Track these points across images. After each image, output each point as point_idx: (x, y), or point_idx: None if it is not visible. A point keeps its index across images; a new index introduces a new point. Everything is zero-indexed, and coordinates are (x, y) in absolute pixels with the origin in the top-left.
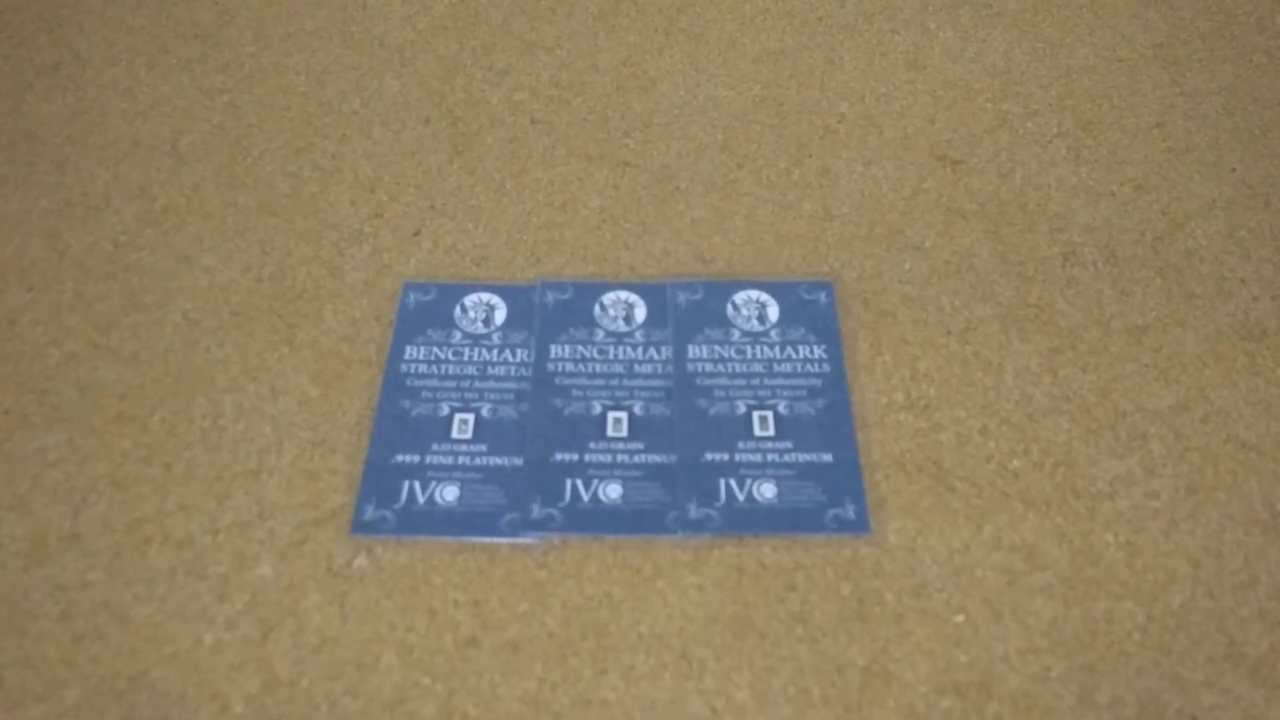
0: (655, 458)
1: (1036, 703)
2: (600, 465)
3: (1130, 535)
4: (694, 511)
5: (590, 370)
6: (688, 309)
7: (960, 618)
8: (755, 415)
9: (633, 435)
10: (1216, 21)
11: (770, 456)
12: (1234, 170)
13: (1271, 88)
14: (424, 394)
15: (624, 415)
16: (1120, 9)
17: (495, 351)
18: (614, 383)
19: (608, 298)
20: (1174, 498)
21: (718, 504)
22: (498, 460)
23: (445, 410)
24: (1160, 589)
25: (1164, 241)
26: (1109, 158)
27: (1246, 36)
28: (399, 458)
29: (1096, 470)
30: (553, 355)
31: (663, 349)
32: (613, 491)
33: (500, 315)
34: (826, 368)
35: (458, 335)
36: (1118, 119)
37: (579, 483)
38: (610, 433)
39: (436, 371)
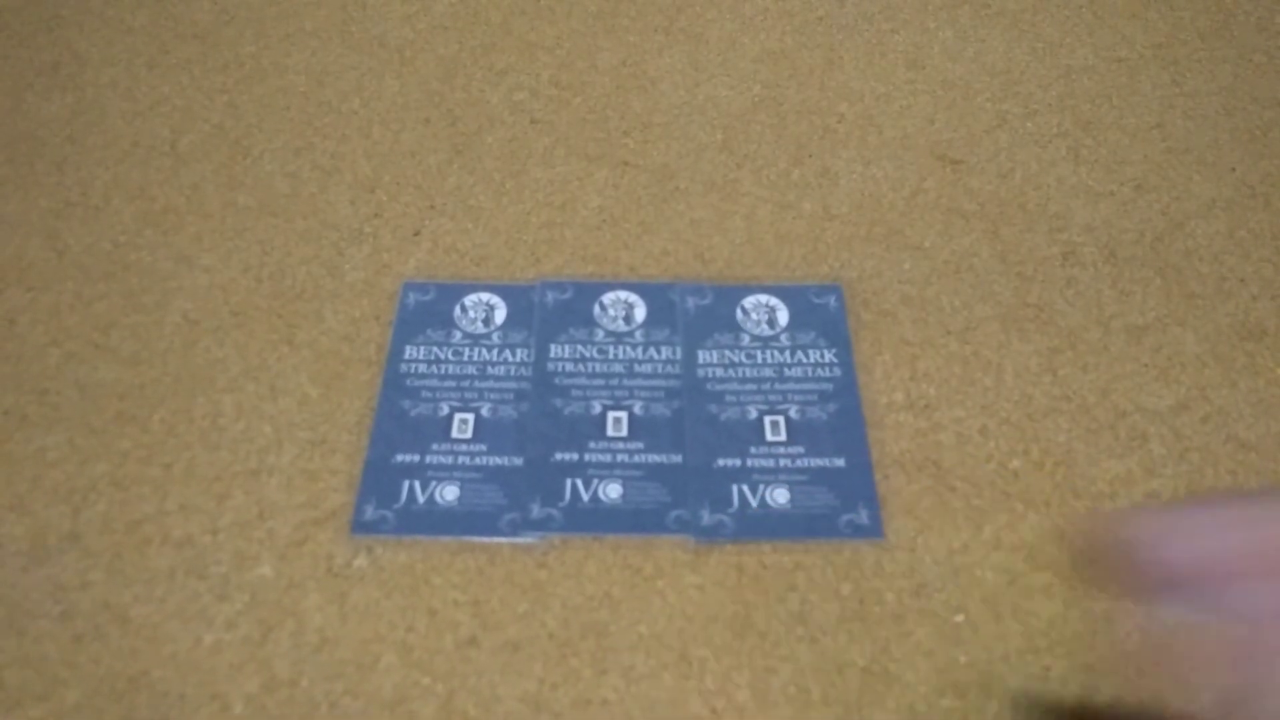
0: (655, 457)
1: (1037, 703)
2: (600, 465)
3: None
4: (707, 518)
5: (590, 370)
6: (697, 314)
7: (960, 618)
8: (767, 420)
9: (633, 435)
10: (1216, 21)
11: (783, 462)
12: (1234, 170)
13: (1271, 88)
14: (424, 394)
15: (624, 415)
16: (1120, 9)
17: (495, 351)
18: (614, 382)
19: (607, 297)
20: (1174, 498)
21: (730, 510)
22: (497, 460)
23: (445, 410)
24: None
25: (1164, 241)
26: (1109, 158)
27: (1246, 36)
28: (399, 457)
29: (1096, 470)
30: (552, 355)
31: (664, 349)
32: (613, 491)
33: (500, 315)
34: (837, 371)
35: (457, 335)
36: (1118, 119)
37: (579, 482)
38: (610, 432)
39: (436, 371)
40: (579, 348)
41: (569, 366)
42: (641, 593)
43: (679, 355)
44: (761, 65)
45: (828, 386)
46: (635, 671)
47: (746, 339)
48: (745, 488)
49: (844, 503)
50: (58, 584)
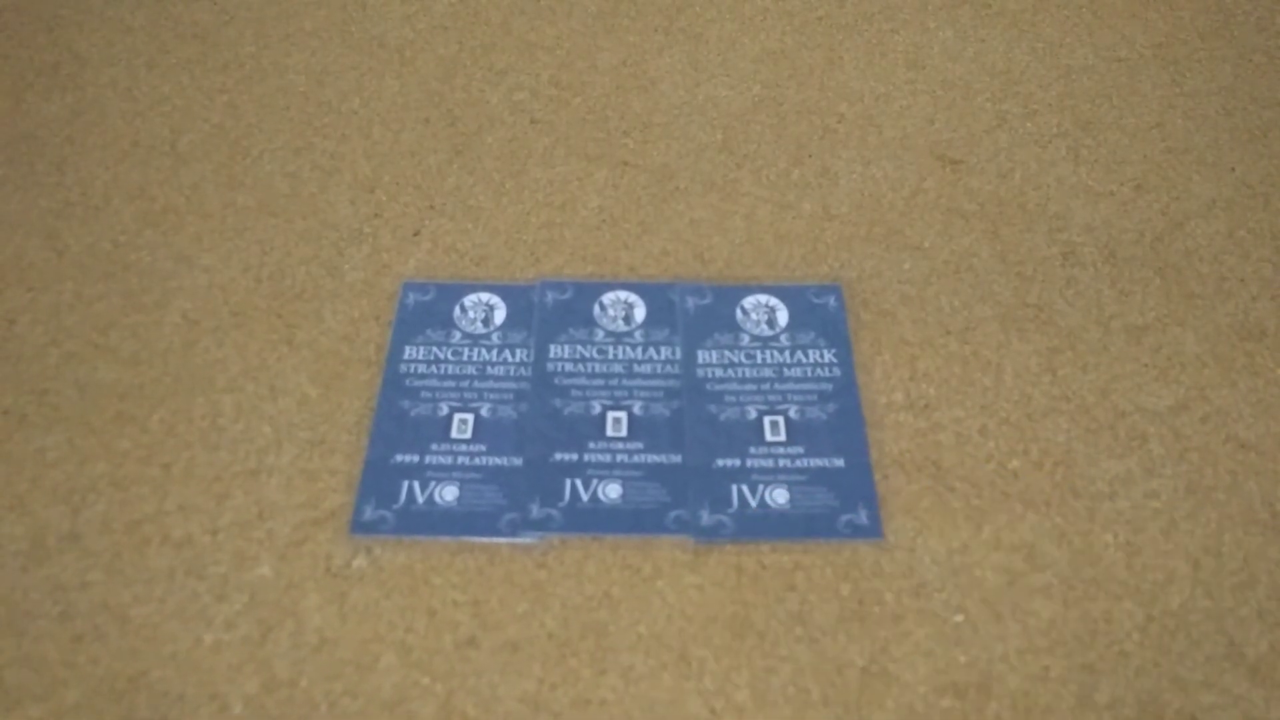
0: (655, 458)
1: (1036, 703)
2: (600, 465)
3: (1130, 535)
4: (706, 518)
5: (590, 370)
6: (697, 314)
7: (960, 618)
8: (766, 420)
9: (632, 435)
10: (1216, 21)
11: (782, 462)
12: (1234, 170)
13: (1271, 88)
14: (423, 394)
15: (623, 415)
16: (1120, 9)
17: (494, 351)
18: (613, 382)
19: (607, 298)
20: (1173, 498)
21: (730, 510)
22: (497, 460)
23: (444, 410)
24: (1160, 589)
25: (1164, 241)
26: (1109, 158)
27: (1246, 36)
28: (398, 458)
29: (1096, 470)
30: (552, 355)
31: (663, 349)
32: (612, 491)
33: (500, 315)
34: (837, 371)
35: (457, 335)
36: (1118, 119)
37: (578, 482)
38: (610, 432)
39: (436, 371)
40: (579, 348)
41: (569, 366)
42: (641, 593)
43: (679, 355)
44: (761, 65)
45: (827, 386)
46: (635, 671)
47: (746, 339)
48: (745, 488)
49: (843, 503)
50: (57, 584)
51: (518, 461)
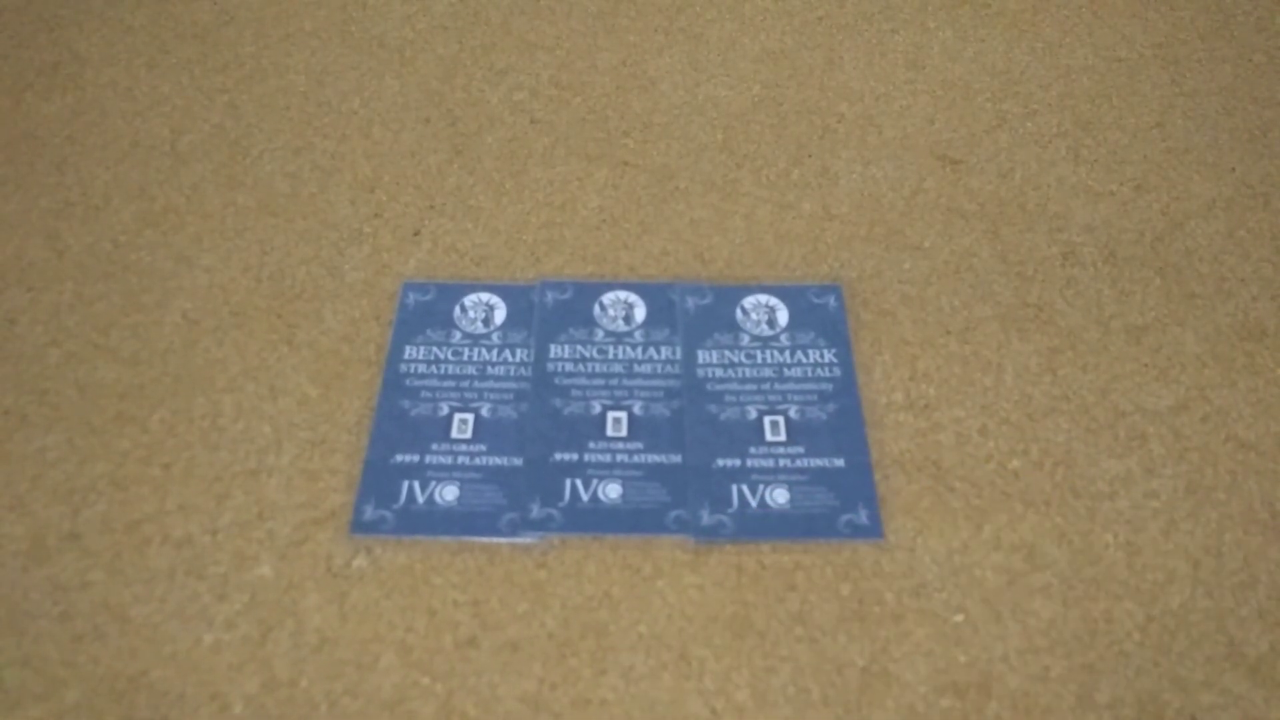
0: (655, 457)
1: (1036, 703)
2: (600, 465)
3: (1130, 535)
4: (706, 518)
5: (590, 370)
6: (697, 314)
7: (960, 618)
8: (766, 420)
9: (632, 435)
10: (1216, 21)
11: (782, 462)
12: (1234, 170)
13: (1271, 88)
14: (423, 394)
15: (623, 415)
16: (1120, 9)
17: (495, 351)
18: (613, 382)
19: (607, 298)
20: (1173, 498)
21: (730, 510)
22: (497, 460)
23: (445, 410)
24: (1160, 589)
25: (1164, 241)
26: (1109, 158)
27: (1246, 36)
28: (398, 457)
29: (1096, 470)
30: (552, 355)
31: (663, 349)
32: (612, 491)
33: (500, 315)
34: (837, 371)
35: (457, 335)
36: (1118, 119)
37: (578, 482)
38: (610, 432)
39: (436, 371)
40: (579, 348)
41: (569, 366)
42: (641, 593)
43: (679, 355)
44: (761, 65)
45: (827, 386)
46: (635, 671)
47: (746, 339)
48: (745, 488)
49: (844, 503)
50: (57, 584)
51: (518, 461)
